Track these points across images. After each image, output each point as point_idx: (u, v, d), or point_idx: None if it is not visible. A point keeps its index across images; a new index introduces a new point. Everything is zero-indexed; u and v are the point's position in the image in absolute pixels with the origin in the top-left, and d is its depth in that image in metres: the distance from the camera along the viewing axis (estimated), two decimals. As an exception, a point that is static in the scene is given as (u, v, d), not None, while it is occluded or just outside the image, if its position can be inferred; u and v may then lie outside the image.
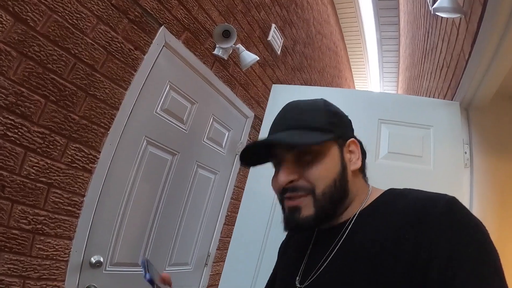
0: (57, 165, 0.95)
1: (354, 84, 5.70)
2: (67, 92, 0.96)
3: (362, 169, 0.56)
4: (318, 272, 0.49)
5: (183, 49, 1.41)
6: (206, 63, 1.57)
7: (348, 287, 0.43)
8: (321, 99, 0.57)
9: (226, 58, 1.64)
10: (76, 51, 0.97)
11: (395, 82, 5.21)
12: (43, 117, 0.90)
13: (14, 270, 0.86)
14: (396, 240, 0.41)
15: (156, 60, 1.27)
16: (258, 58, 1.69)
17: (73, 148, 0.99)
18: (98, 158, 1.07)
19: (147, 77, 1.24)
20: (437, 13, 1.07)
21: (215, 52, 1.58)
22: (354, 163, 0.54)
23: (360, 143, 0.57)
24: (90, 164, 1.04)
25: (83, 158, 1.02)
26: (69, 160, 0.98)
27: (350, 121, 0.59)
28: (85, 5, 0.98)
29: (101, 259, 1.09)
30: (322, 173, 0.49)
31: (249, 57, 1.65)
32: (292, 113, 0.54)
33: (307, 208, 0.48)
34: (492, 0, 0.81)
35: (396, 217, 0.44)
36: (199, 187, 1.61)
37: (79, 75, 0.98)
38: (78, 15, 0.97)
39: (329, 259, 0.49)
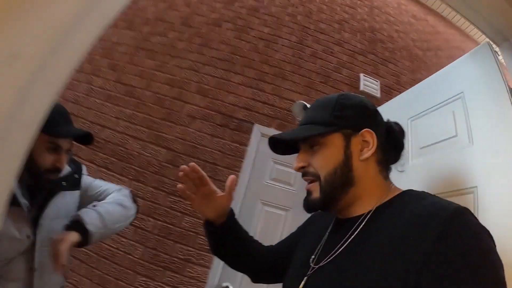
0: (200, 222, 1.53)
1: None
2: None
3: (380, 161, 0.57)
4: (332, 257, 0.52)
5: (276, 132, 1.85)
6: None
7: (355, 273, 0.46)
8: (339, 93, 0.60)
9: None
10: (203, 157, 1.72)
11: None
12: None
13: (170, 282, 1.50)
14: (401, 240, 0.43)
15: (258, 147, 1.85)
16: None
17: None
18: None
19: (253, 160, 1.81)
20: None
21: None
22: (363, 153, 0.55)
23: (387, 134, 0.59)
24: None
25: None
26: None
27: (372, 111, 0.59)
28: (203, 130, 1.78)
29: (230, 286, 1.50)
30: (322, 162, 0.55)
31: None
32: (310, 110, 0.62)
33: (315, 192, 0.56)
34: None
35: (405, 218, 0.46)
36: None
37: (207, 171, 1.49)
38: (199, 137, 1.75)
39: (343, 246, 0.52)
